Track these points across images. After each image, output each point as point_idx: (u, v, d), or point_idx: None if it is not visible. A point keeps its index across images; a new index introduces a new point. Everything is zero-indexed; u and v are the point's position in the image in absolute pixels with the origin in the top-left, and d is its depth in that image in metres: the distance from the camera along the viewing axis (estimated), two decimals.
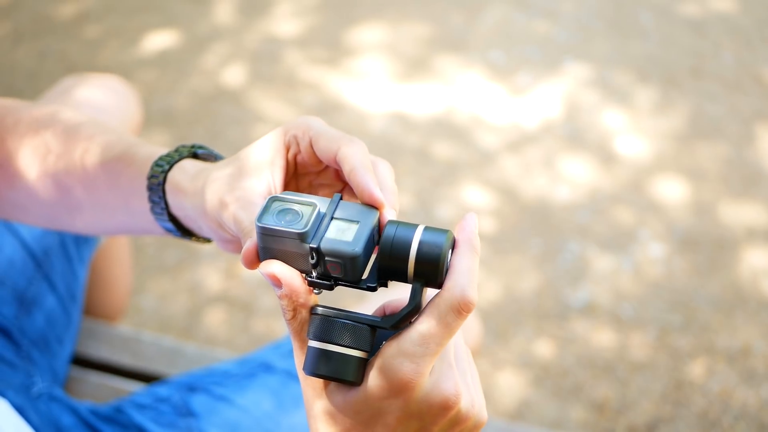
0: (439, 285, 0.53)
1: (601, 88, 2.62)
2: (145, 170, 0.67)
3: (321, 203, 0.54)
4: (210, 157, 0.70)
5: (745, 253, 2.11)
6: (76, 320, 1.18)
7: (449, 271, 0.53)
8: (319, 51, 2.77)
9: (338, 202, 0.55)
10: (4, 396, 0.96)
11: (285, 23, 2.90)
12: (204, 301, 2.02)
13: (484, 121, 2.50)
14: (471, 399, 0.55)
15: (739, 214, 2.22)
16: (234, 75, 2.67)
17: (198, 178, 0.64)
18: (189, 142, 0.72)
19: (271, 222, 0.53)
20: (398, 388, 0.52)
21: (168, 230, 0.69)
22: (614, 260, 2.10)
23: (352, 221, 0.54)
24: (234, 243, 0.64)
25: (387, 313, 0.57)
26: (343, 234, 0.53)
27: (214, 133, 2.46)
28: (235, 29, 2.88)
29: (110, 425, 1.00)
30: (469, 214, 0.55)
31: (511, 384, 1.85)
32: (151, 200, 0.66)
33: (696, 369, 1.87)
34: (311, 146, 0.60)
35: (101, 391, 1.18)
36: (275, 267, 0.53)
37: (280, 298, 0.54)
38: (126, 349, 1.24)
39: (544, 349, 1.91)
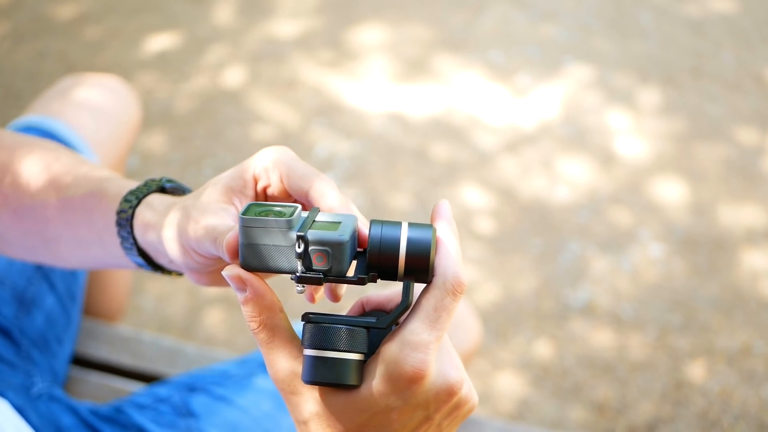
0: (427, 280, 0.54)
1: (601, 89, 2.62)
2: (115, 205, 0.67)
3: (300, 209, 0.55)
4: (178, 190, 0.70)
5: (744, 253, 2.11)
6: (76, 320, 1.18)
7: (436, 257, 0.54)
8: (319, 51, 2.77)
9: (317, 210, 0.56)
10: (4, 396, 0.96)
11: (285, 24, 2.90)
12: (203, 301, 2.02)
13: (484, 122, 2.50)
14: (469, 383, 0.56)
15: (738, 214, 2.22)
16: (234, 75, 2.67)
17: (166, 213, 0.64)
18: (158, 176, 0.72)
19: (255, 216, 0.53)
20: (408, 381, 0.52)
21: (139, 265, 0.69)
22: (614, 260, 2.10)
23: (334, 222, 0.54)
24: (204, 275, 0.65)
25: (366, 309, 0.59)
26: (329, 228, 0.53)
27: (214, 134, 2.46)
28: (235, 30, 2.88)
29: (110, 425, 1.00)
30: (441, 201, 0.57)
31: (511, 384, 1.85)
32: (120, 235, 0.67)
33: (696, 369, 1.87)
34: (281, 180, 0.61)
35: (101, 391, 1.18)
36: (240, 269, 0.54)
37: (245, 303, 0.54)
38: (126, 349, 1.24)
39: (543, 349, 1.91)
